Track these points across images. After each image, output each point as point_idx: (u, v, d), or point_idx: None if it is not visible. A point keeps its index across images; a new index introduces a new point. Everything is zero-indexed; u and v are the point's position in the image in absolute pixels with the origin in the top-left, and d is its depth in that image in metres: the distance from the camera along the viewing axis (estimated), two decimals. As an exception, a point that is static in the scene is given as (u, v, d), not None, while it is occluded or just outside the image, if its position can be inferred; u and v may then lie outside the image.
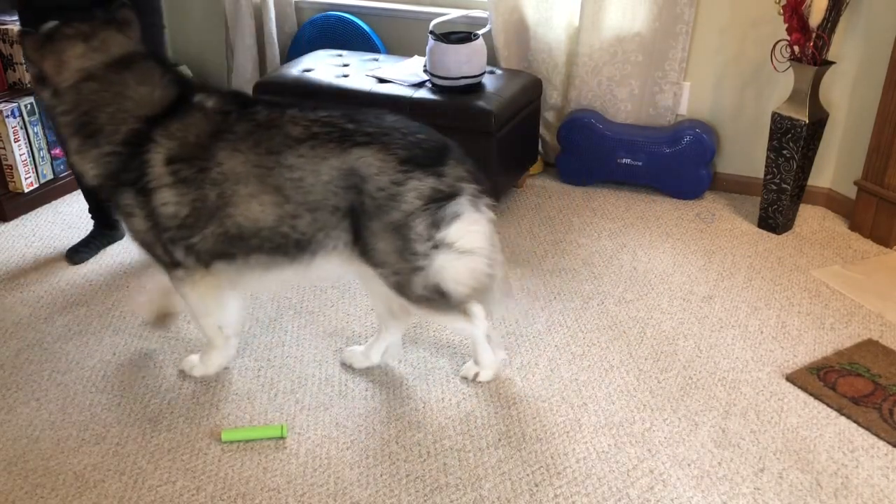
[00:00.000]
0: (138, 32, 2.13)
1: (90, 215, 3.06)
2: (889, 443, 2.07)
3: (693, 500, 1.90)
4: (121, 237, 3.06)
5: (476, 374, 2.30)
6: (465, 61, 3.09)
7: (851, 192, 3.25)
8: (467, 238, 2.00)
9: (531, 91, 3.37)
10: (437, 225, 1.95)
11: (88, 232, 3.05)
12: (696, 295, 2.76)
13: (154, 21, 2.72)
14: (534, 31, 3.56)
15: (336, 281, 2.80)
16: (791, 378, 2.31)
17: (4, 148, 3.15)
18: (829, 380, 2.30)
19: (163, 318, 2.47)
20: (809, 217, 3.34)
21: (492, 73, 3.36)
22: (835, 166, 3.36)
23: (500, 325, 2.56)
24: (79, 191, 3.49)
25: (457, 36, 3.15)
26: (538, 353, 2.43)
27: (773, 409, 2.20)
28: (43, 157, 3.31)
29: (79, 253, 2.94)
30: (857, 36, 3.11)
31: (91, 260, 2.94)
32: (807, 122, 2.99)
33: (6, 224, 3.20)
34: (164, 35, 2.84)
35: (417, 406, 2.20)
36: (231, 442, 2.06)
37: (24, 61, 3.11)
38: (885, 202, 3.06)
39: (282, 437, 2.08)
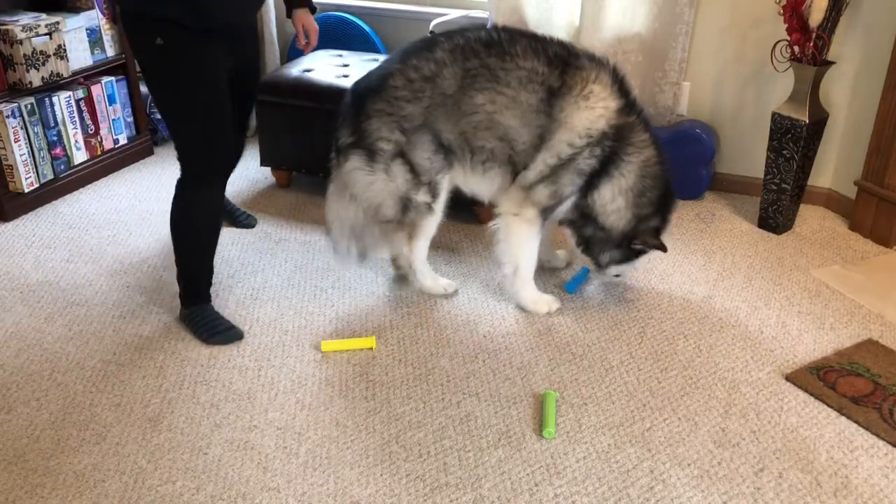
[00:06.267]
0: None
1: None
2: (889, 443, 2.07)
3: (693, 500, 1.90)
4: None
5: None
6: (466, 61, 3.09)
7: (851, 192, 3.25)
8: None
9: (531, 91, 3.36)
10: None
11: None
12: (696, 295, 2.76)
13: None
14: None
15: (336, 281, 2.80)
16: (791, 378, 2.31)
17: (5, 148, 3.15)
18: (829, 380, 2.30)
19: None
20: (809, 217, 3.34)
21: (492, 73, 3.36)
22: (835, 166, 3.36)
23: (500, 325, 2.57)
24: (79, 191, 3.49)
25: (457, 36, 3.14)
26: (538, 353, 2.43)
27: (773, 409, 2.20)
28: (43, 158, 3.31)
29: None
30: (857, 36, 3.11)
31: (90, 259, 2.94)
32: (807, 122, 2.99)
33: (6, 224, 3.20)
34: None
35: (417, 406, 2.20)
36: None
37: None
38: (885, 202, 3.06)
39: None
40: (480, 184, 2.56)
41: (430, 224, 2.58)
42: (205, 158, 2.32)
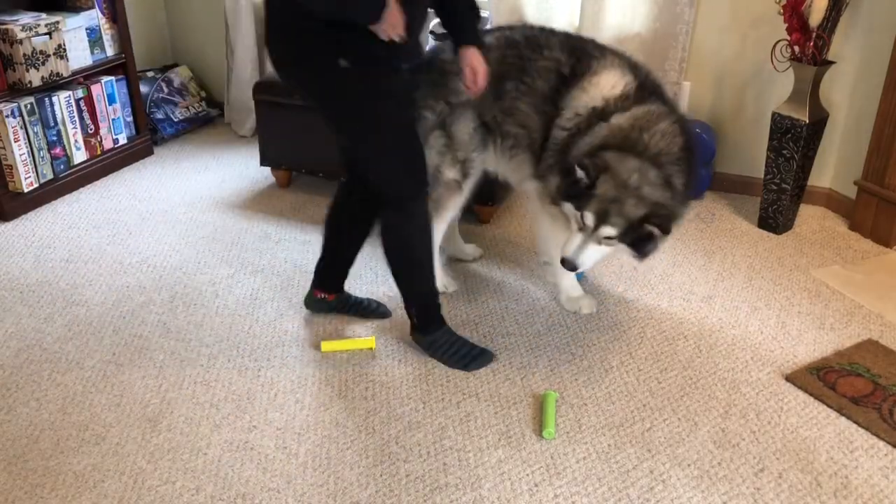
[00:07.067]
0: None
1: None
2: (889, 443, 2.07)
3: (693, 500, 1.90)
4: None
5: None
6: (466, 61, 3.10)
7: (851, 192, 3.25)
8: None
9: (531, 91, 3.36)
10: None
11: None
12: (696, 295, 2.76)
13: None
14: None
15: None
16: (791, 378, 2.31)
17: (4, 148, 3.15)
18: (829, 380, 2.30)
19: None
20: (809, 217, 3.34)
21: (492, 72, 3.36)
22: (835, 166, 3.36)
23: (500, 325, 2.57)
24: (78, 191, 3.49)
25: (457, 36, 3.14)
26: (538, 353, 2.43)
27: (773, 409, 2.20)
28: (43, 157, 3.31)
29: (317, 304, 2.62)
30: (857, 36, 3.11)
31: (90, 259, 2.94)
32: (807, 122, 2.99)
33: (6, 224, 3.20)
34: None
35: (417, 406, 2.20)
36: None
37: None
38: (885, 202, 3.06)
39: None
40: (509, 169, 2.61)
41: (455, 204, 2.60)
42: (408, 178, 2.21)
